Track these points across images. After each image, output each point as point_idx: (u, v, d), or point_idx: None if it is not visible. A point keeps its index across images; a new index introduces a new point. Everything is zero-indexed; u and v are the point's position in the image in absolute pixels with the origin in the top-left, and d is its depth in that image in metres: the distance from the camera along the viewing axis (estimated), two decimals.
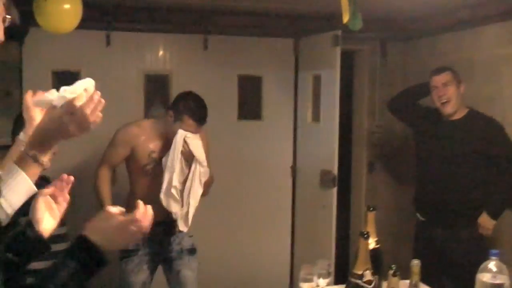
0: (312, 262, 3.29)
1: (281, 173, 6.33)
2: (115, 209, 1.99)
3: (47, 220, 2.04)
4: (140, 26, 5.68)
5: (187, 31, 5.88)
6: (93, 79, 2.03)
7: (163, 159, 4.35)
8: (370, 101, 6.48)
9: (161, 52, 5.93)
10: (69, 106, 1.93)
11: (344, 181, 6.44)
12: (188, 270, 4.57)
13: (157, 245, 4.49)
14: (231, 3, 5.41)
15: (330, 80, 5.51)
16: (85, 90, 1.95)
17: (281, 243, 6.40)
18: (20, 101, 4.41)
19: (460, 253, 4.55)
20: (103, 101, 1.99)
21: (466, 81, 5.26)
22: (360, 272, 2.62)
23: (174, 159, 4.29)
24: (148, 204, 4.28)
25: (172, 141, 4.32)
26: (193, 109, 4.29)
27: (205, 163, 4.39)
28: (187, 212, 4.42)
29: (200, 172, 4.39)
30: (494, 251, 2.65)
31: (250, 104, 6.29)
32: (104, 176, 4.45)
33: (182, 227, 4.46)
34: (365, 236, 2.60)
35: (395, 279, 2.51)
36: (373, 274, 2.66)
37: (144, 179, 4.43)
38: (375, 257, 2.86)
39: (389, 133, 6.47)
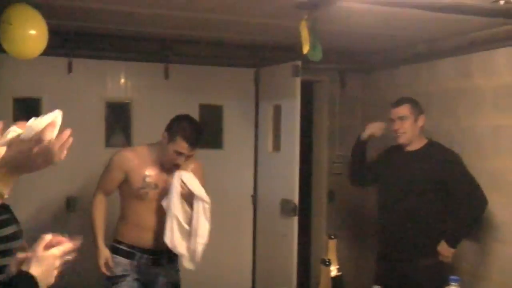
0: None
1: (242, 201, 6.34)
2: (48, 236, 2.00)
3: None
4: (102, 54, 5.68)
5: (149, 59, 5.89)
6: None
7: (163, 203, 4.30)
8: (330, 130, 6.54)
9: (122, 80, 5.92)
10: (39, 139, 1.93)
11: (304, 209, 6.48)
12: (168, 285, 4.54)
13: (145, 274, 4.43)
14: (193, 33, 5.47)
15: (290, 109, 5.56)
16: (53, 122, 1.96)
17: (243, 271, 6.40)
18: None
19: (421, 281, 4.56)
20: (71, 140, 2.02)
21: (424, 113, 5.36)
22: None
23: (174, 202, 4.26)
24: (140, 229, 4.29)
25: (166, 166, 4.35)
26: (186, 131, 4.26)
27: (207, 198, 4.35)
28: (195, 251, 4.37)
29: (204, 208, 4.34)
30: (454, 277, 2.70)
31: (211, 133, 6.31)
32: (100, 203, 4.45)
33: (188, 265, 4.42)
34: (327, 263, 2.63)
35: None
36: None
37: (138, 204, 4.38)
38: (337, 284, 2.89)
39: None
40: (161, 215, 4.34)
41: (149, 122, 5.85)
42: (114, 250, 4.41)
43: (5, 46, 4.07)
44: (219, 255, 6.16)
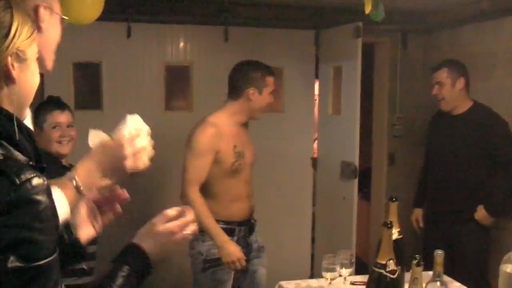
0: (334, 252, 3.32)
1: (302, 164, 6.34)
2: (171, 212, 1.96)
3: (86, 228, 1.99)
4: (160, 18, 5.69)
5: (208, 22, 5.88)
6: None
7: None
8: (391, 93, 6.47)
9: (181, 44, 5.93)
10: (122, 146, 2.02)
11: (365, 173, 6.45)
12: (263, 268, 4.38)
13: (243, 247, 4.14)
14: None
15: (351, 71, 5.51)
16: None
17: (302, 233, 6.43)
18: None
19: (466, 245, 4.63)
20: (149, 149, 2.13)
21: (488, 73, 5.25)
22: (383, 262, 2.62)
23: None
24: (236, 203, 4.13)
25: (241, 129, 4.21)
26: (262, 66, 4.17)
27: None
28: None
29: None
30: None
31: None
32: (199, 199, 3.97)
33: None
34: (389, 226, 2.61)
35: (419, 269, 2.51)
36: (396, 264, 2.66)
37: (232, 179, 4.08)
38: (398, 247, 2.86)
39: (410, 125, 6.46)
40: (249, 179, 4.21)
41: (209, 85, 5.88)
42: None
43: (62, 11, 4.09)
44: (279, 217, 6.20)
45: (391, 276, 2.60)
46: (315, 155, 6.48)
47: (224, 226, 4.05)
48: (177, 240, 1.93)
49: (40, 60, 1.98)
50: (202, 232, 3.95)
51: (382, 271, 2.61)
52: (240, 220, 4.16)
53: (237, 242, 4.10)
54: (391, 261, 2.60)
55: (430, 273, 2.71)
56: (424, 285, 2.60)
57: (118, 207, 2.06)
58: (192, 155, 3.99)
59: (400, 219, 3.05)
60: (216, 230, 3.98)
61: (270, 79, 4.10)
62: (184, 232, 1.93)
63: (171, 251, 1.96)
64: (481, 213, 4.59)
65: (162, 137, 5.70)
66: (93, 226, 2.01)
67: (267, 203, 6.19)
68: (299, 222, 6.41)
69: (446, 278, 2.98)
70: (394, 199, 3.00)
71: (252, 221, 4.30)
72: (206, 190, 4.06)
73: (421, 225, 5.05)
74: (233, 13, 5.81)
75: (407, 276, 2.74)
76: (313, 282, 3.52)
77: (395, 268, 2.62)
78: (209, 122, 4.05)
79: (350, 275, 3.27)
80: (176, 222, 1.94)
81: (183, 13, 5.70)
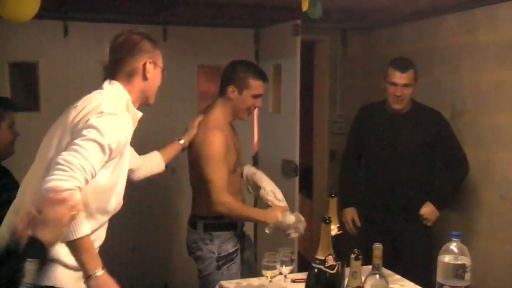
0: (275, 250, 3.32)
1: (244, 162, 6.30)
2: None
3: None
4: (98, 16, 5.60)
5: (146, 21, 5.80)
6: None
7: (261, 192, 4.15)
8: (331, 90, 6.50)
9: None
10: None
11: (307, 170, 6.46)
12: (252, 254, 4.48)
13: (241, 238, 4.25)
14: None
15: (291, 69, 5.51)
16: None
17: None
18: None
19: (408, 245, 4.64)
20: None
21: (427, 70, 5.31)
22: (322, 258, 2.61)
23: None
24: (236, 198, 4.06)
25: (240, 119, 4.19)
26: (253, 69, 4.10)
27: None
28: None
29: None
30: (455, 232, 2.66)
31: (211, 94, 6.27)
32: (233, 199, 3.97)
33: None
34: (327, 221, 2.59)
35: (358, 263, 2.50)
36: (336, 259, 2.65)
37: (232, 175, 4.09)
38: (338, 243, 2.86)
39: (350, 122, 6.48)
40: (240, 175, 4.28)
41: None
42: (215, 227, 4.08)
43: None
44: None
45: (330, 271, 2.59)
46: (256, 154, 6.44)
47: (228, 221, 4.07)
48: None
49: (146, 99, 3.17)
50: (208, 232, 4.05)
51: (321, 266, 2.60)
52: None
53: (238, 234, 4.17)
54: (330, 256, 2.59)
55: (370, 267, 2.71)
56: (363, 278, 2.60)
57: None
58: (213, 165, 3.93)
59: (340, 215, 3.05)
60: (256, 213, 4.16)
61: (255, 83, 4.02)
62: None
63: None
64: (428, 209, 4.61)
65: None
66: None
67: None
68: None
69: (385, 271, 2.98)
70: (333, 195, 3.00)
71: None
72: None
73: (359, 224, 4.93)
74: (172, 12, 5.76)
75: (347, 270, 2.73)
76: (254, 280, 3.50)
77: (334, 264, 2.61)
78: (214, 129, 4.00)
79: (290, 272, 3.26)
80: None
81: (121, 12, 5.63)
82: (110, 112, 2.78)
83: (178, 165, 5.97)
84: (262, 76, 4.07)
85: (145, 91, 3.10)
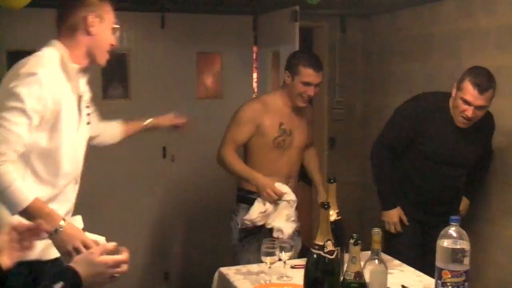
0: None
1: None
2: (110, 245, 2.14)
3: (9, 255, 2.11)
4: None
5: (144, 9, 5.80)
6: None
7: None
8: (330, 77, 6.47)
9: (118, 31, 5.81)
10: None
11: None
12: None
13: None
14: None
15: None
16: None
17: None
18: None
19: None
20: None
21: (426, 55, 5.30)
22: (321, 243, 2.59)
23: None
24: (274, 177, 4.16)
25: (296, 107, 4.29)
26: (306, 57, 4.19)
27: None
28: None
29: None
30: (454, 217, 2.65)
31: (210, 81, 6.27)
32: (230, 153, 4.25)
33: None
34: (326, 206, 2.58)
35: (357, 248, 2.49)
36: (335, 245, 2.64)
37: (274, 153, 4.27)
38: (337, 228, 2.85)
39: (350, 109, 6.49)
40: (294, 161, 4.38)
41: (147, 73, 5.88)
42: (239, 198, 4.39)
43: None
44: (218, 202, 6.20)
45: (329, 256, 2.57)
46: None
47: (245, 194, 4.30)
48: (108, 274, 2.07)
49: (94, 57, 2.99)
50: (237, 203, 4.36)
51: (320, 252, 2.58)
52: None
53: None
54: (329, 241, 2.57)
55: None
56: (362, 264, 2.59)
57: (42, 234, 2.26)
58: (232, 123, 4.31)
59: (340, 201, 3.05)
60: (246, 171, 4.22)
61: (305, 70, 4.13)
62: (116, 269, 2.09)
63: (101, 284, 2.08)
64: (465, 204, 4.52)
65: None
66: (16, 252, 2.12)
67: (205, 189, 6.17)
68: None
69: (384, 256, 2.98)
70: (332, 180, 2.99)
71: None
72: (248, 159, 4.37)
73: (407, 223, 4.39)
74: None
75: (346, 256, 2.72)
76: (254, 267, 3.49)
77: (333, 249, 2.59)
78: (258, 98, 4.52)
79: (290, 258, 3.26)
80: (112, 257, 2.09)
81: (120, 0, 5.59)
82: (28, 72, 2.72)
83: (178, 152, 6.02)
84: (313, 64, 4.14)
85: (91, 47, 3.00)
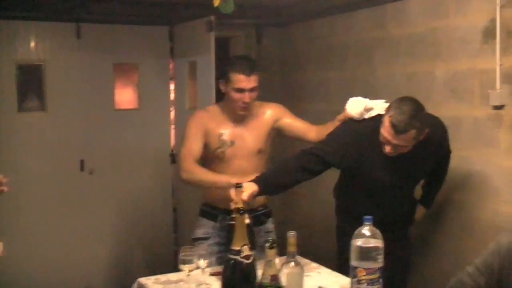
0: (193, 244, 3.30)
1: (161, 160, 6.32)
2: None
3: None
4: (10, 14, 5.50)
5: (60, 19, 5.74)
6: None
7: None
8: None
9: (33, 41, 5.74)
10: None
11: None
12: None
13: (227, 235, 3.90)
14: None
15: (206, 66, 5.53)
16: None
17: (164, 227, 6.47)
18: None
19: (402, 255, 4.06)
20: None
21: (341, 64, 5.41)
22: (238, 248, 2.63)
23: None
24: (222, 190, 3.81)
25: (239, 118, 4.07)
26: (236, 63, 4.01)
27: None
28: None
29: None
30: (367, 217, 2.71)
31: (127, 93, 6.25)
32: (195, 166, 3.96)
33: None
34: (241, 212, 2.61)
35: (272, 251, 2.53)
36: (251, 249, 2.67)
37: (218, 165, 4.07)
38: (249, 231, 2.87)
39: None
40: (242, 173, 3.97)
41: (63, 84, 5.82)
42: (201, 212, 4.23)
43: None
44: (139, 210, 6.18)
45: (246, 261, 2.61)
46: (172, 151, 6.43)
47: (209, 209, 4.16)
48: None
49: None
50: (199, 216, 4.21)
51: (237, 257, 2.62)
52: (225, 208, 3.93)
53: (221, 229, 4.08)
54: (245, 246, 2.61)
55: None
56: (279, 267, 2.62)
57: None
58: (183, 136, 4.07)
59: None
60: (217, 177, 3.95)
61: (236, 77, 3.93)
62: None
63: None
64: (421, 213, 4.25)
65: (16, 140, 5.60)
66: None
67: (125, 197, 6.15)
68: (161, 217, 6.42)
69: (301, 259, 3.02)
70: (239, 186, 3.02)
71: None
72: None
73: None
74: (86, 9, 5.69)
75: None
76: (173, 276, 3.48)
77: (250, 253, 2.63)
78: (203, 108, 4.28)
79: (208, 266, 3.27)
80: None
81: (35, 10, 5.54)
82: None
83: (96, 165, 5.96)
84: (242, 69, 3.95)
85: None
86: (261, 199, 4.14)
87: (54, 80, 5.80)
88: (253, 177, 3.52)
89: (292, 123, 4.28)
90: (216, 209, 4.13)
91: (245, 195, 3.11)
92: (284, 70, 6.55)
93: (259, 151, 4.16)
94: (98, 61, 5.97)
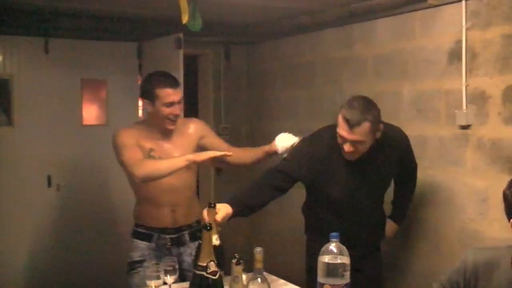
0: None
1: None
2: None
3: None
4: None
5: (28, 33, 5.72)
6: None
7: None
8: (215, 103, 6.55)
9: (0, 56, 5.71)
10: None
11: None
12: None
13: (165, 255, 3.88)
14: (73, 5, 5.31)
15: None
16: None
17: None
18: None
19: (369, 269, 3.99)
20: None
21: (308, 82, 5.46)
22: (204, 264, 2.63)
23: None
24: (155, 208, 3.97)
25: (165, 136, 4.03)
26: (159, 79, 3.95)
27: None
28: None
29: None
30: (334, 233, 2.73)
31: (94, 108, 6.24)
32: (146, 160, 3.85)
33: None
34: (208, 228, 2.62)
35: (239, 267, 2.54)
36: (218, 266, 2.68)
37: (150, 184, 3.94)
38: (218, 253, 2.86)
39: (235, 135, 6.55)
40: (173, 188, 4.01)
41: (31, 99, 5.79)
42: (134, 234, 4.12)
43: None
44: (108, 228, 6.13)
45: (213, 277, 2.62)
46: None
47: (144, 230, 4.07)
48: None
49: None
50: (132, 238, 4.12)
51: (203, 273, 2.62)
52: (161, 227, 4.06)
53: (158, 251, 4.04)
54: (211, 262, 2.62)
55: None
56: (245, 283, 2.63)
57: None
58: (120, 150, 3.90)
59: (226, 226, 3.07)
60: (172, 160, 3.86)
61: (163, 92, 3.89)
62: None
63: None
64: (391, 228, 4.21)
65: None
66: None
67: (93, 215, 6.11)
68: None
69: (268, 276, 3.03)
70: (212, 205, 3.02)
71: (182, 231, 4.12)
72: (135, 194, 4.14)
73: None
74: (54, 23, 5.68)
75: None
76: None
77: (216, 269, 2.64)
78: (129, 126, 4.14)
79: (175, 282, 3.26)
80: None
81: (2, 23, 5.50)
82: None
83: (63, 180, 5.93)
84: (168, 83, 3.94)
85: None
86: (196, 213, 4.12)
87: (22, 95, 5.76)
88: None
89: (215, 143, 4.24)
90: (150, 229, 4.08)
91: (219, 217, 3.10)
92: (252, 87, 6.60)
93: (188, 168, 4.01)
94: (66, 77, 5.96)
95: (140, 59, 6.31)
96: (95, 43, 6.10)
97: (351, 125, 3.44)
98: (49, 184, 5.93)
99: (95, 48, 6.12)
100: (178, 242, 4.13)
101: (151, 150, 3.98)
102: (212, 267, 2.63)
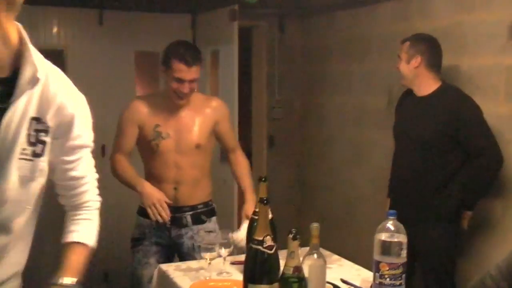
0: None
1: None
2: None
3: None
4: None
5: (82, 5, 5.75)
6: None
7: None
8: (269, 76, 6.51)
9: (55, 27, 5.76)
10: None
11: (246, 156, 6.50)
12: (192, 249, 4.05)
13: (167, 237, 4.04)
14: None
15: (228, 55, 5.53)
16: None
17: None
18: None
19: (433, 248, 4.14)
20: None
21: (363, 57, 5.38)
22: (260, 238, 2.61)
23: None
24: (158, 184, 3.91)
25: (177, 111, 3.94)
26: (179, 50, 3.79)
27: None
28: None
29: None
30: (391, 211, 2.68)
31: (148, 80, 6.24)
32: (119, 161, 3.95)
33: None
34: (265, 202, 2.59)
35: (295, 242, 2.51)
36: (274, 240, 2.66)
37: (154, 158, 3.96)
38: (273, 225, 2.85)
39: (289, 108, 6.52)
40: (177, 165, 3.98)
41: (84, 70, 5.77)
42: (138, 210, 4.06)
43: None
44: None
45: (269, 251, 2.59)
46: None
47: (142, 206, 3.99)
48: None
49: None
50: (137, 215, 4.09)
51: (259, 247, 2.60)
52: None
53: (158, 230, 4.02)
54: (268, 237, 2.59)
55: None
56: (301, 259, 2.61)
57: None
58: (118, 125, 4.03)
59: (276, 199, 3.05)
60: (134, 179, 3.92)
61: (176, 65, 3.76)
62: None
63: None
64: (467, 217, 4.17)
65: None
66: None
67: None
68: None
69: (323, 251, 3.00)
70: (263, 179, 2.98)
71: (184, 212, 4.07)
72: (144, 169, 4.11)
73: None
74: None
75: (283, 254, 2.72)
76: (193, 263, 3.49)
77: (272, 244, 2.61)
78: (141, 97, 4.15)
79: (229, 255, 3.26)
80: None
81: None
82: None
83: None
84: (184, 59, 3.77)
85: None
86: (202, 195, 4.11)
87: (76, 66, 5.77)
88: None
89: (225, 134, 4.21)
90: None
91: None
92: (306, 61, 6.53)
93: (197, 147, 3.99)
94: (120, 49, 5.98)
95: (194, 31, 6.28)
96: (149, 15, 6.10)
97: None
98: (103, 153, 5.96)
99: (149, 20, 6.11)
100: (179, 224, 4.05)
101: (156, 125, 3.93)
102: (268, 241, 2.60)
